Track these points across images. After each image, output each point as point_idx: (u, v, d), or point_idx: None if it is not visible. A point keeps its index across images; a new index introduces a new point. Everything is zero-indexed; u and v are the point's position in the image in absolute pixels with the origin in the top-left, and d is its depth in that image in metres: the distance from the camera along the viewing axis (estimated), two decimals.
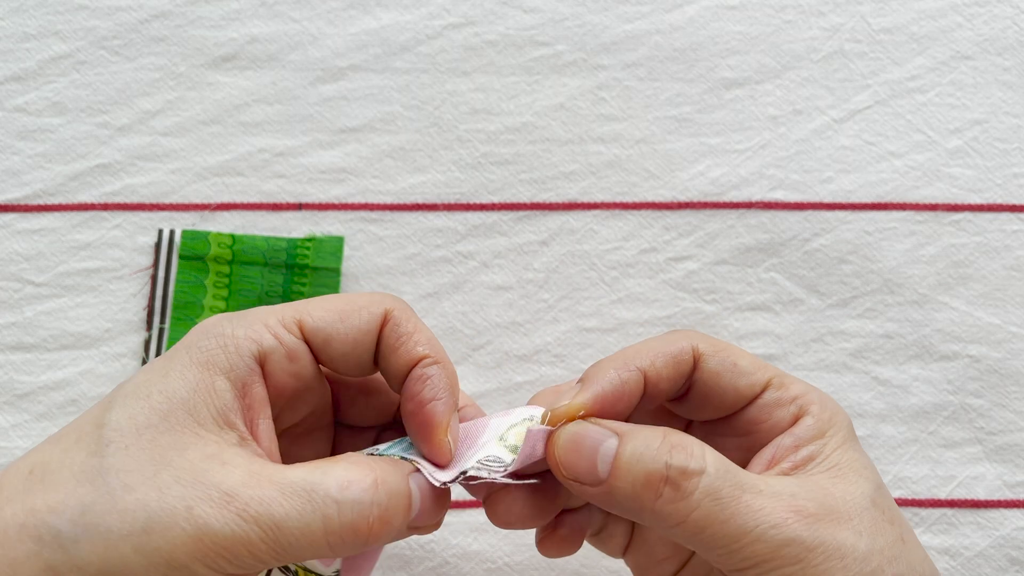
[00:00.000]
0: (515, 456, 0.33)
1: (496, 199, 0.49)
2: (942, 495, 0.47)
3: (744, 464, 0.34)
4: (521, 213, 0.49)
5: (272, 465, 0.31)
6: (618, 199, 0.49)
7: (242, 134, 0.49)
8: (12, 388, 0.47)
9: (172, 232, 0.48)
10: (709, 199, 0.49)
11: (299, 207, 0.49)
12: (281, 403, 0.34)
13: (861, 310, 0.48)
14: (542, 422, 0.34)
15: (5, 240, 0.48)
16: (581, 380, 0.35)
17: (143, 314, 0.47)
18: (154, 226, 0.48)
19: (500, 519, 0.34)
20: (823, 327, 0.48)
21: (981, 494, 0.47)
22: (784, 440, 0.34)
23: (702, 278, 0.49)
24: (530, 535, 0.46)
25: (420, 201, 0.49)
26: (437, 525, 0.33)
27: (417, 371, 0.33)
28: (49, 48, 0.50)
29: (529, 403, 0.36)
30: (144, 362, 0.47)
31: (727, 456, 0.33)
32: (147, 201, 0.49)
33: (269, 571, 0.35)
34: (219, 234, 0.47)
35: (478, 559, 0.46)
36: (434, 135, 0.50)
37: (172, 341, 0.46)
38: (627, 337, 0.48)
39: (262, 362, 0.32)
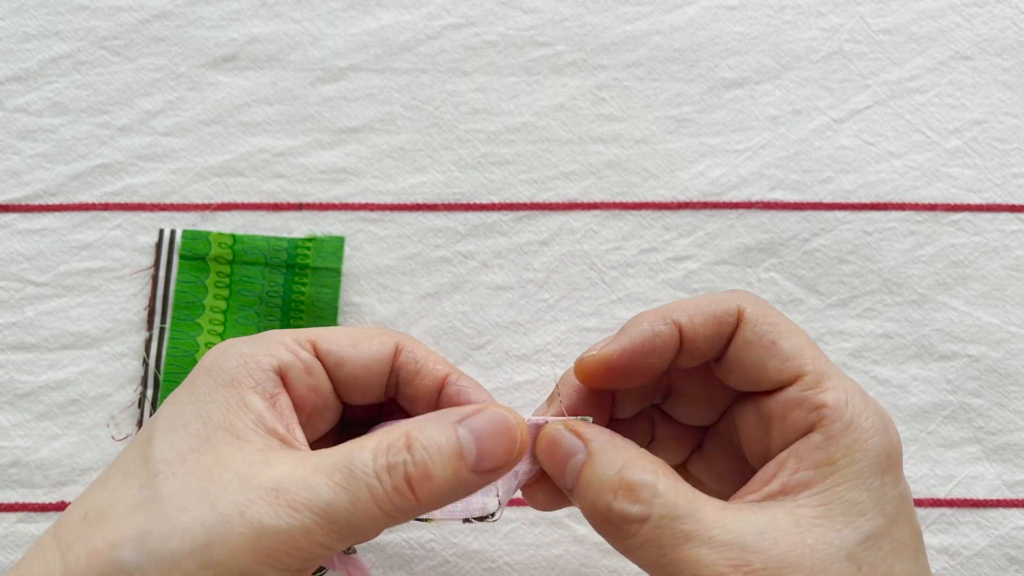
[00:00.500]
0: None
1: (496, 199, 0.49)
2: (941, 495, 0.47)
3: (754, 458, 0.34)
4: (521, 213, 0.49)
5: (316, 453, 0.31)
6: (618, 199, 0.49)
7: (243, 134, 0.49)
8: (13, 388, 0.47)
9: (173, 232, 0.48)
10: (709, 199, 0.49)
11: (299, 207, 0.49)
12: (302, 419, 0.34)
13: (860, 310, 0.48)
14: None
15: (6, 240, 0.48)
16: (619, 332, 0.34)
17: (144, 314, 0.47)
18: (155, 226, 0.48)
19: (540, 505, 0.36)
20: (823, 327, 0.48)
21: (980, 493, 0.47)
22: (786, 459, 0.32)
23: (702, 278, 0.49)
24: (530, 535, 0.46)
25: (420, 201, 0.49)
26: (511, 463, 0.32)
27: (451, 388, 0.35)
28: (50, 48, 0.50)
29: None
30: (144, 362, 0.47)
31: (749, 432, 0.32)
32: (148, 201, 0.49)
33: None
34: (220, 234, 0.47)
35: (478, 559, 0.46)
36: (434, 135, 0.50)
37: (173, 341, 0.46)
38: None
39: (282, 376, 0.33)
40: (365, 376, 0.34)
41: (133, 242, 0.48)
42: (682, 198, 0.49)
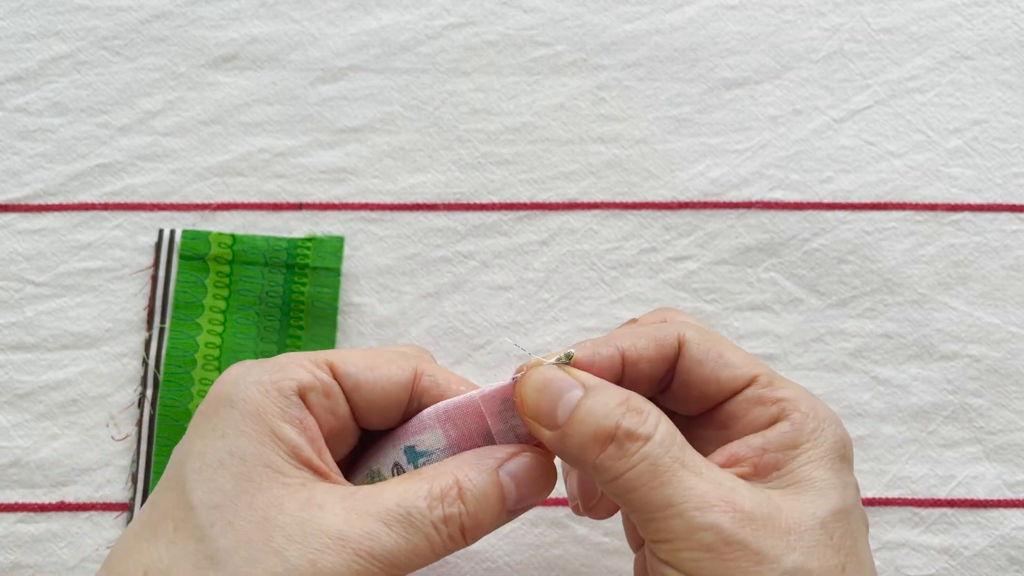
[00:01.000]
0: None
1: (496, 199, 0.49)
2: (942, 495, 0.47)
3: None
4: (521, 213, 0.49)
5: (361, 493, 0.32)
6: (618, 199, 0.49)
7: (242, 134, 0.49)
8: (13, 388, 0.47)
9: (172, 232, 0.48)
10: (709, 199, 0.49)
11: (299, 207, 0.49)
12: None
13: (861, 310, 0.48)
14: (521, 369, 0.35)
15: (6, 240, 0.48)
16: None
17: (144, 314, 0.47)
18: (155, 226, 0.48)
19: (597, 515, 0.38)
20: (823, 327, 0.48)
21: (981, 494, 0.47)
22: (753, 440, 0.34)
23: (702, 278, 0.49)
24: (530, 535, 0.46)
25: (420, 201, 0.49)
26: (543, 499, 0.34)
27: None
28: (50, 48, 0.50)
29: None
30: (144, 362, 0.47)
31: (703, 451, 0.33)
32: (148, 201, 0.49)
33: None
34: (219, 234, 0.47)
35: (478, 559, 0.46)
36: (434, 135, 0.50)
37: (172, 341, 0.46)
38: None
39: (303, 398, 0.33)
40: (383, 401, 0.35)
41: (133, 242, 0.48)
42: (682, 198, 0.49)
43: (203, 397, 0.45)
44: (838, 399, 0.47)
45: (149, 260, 0.48)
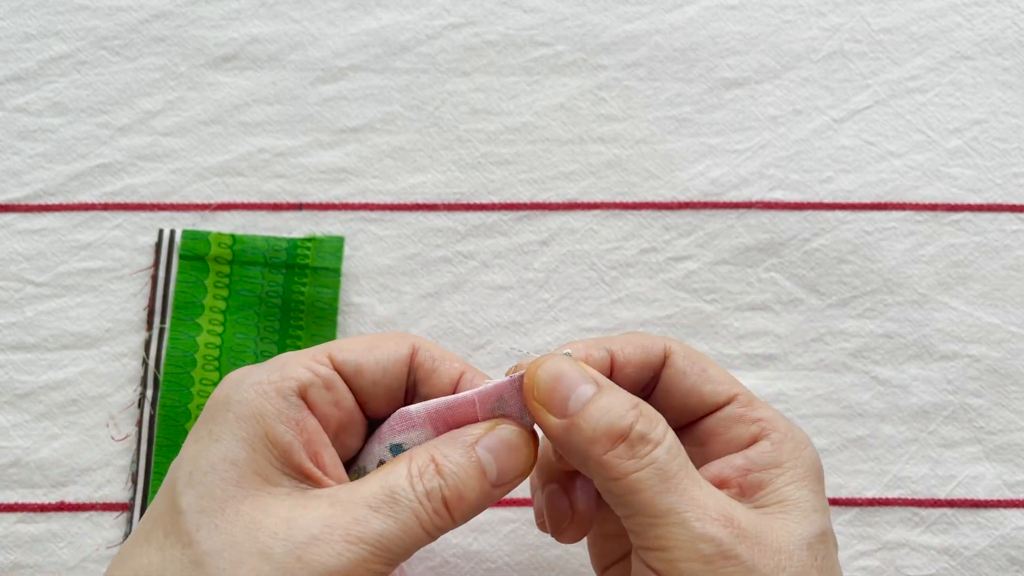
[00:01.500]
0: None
1: (496, 199, 0.49)
2: (942, 495, 0.47)
3: None
4: (521, 213, 0.49)
5: (347, 488, 0.32)
6: (618, 199, 0.49)
7: (242, 134, 0.49)
8: (13, 388, 0.47)
9: (172, 232, 0.48)
10: (709, 199, 0.49)
11: (299, 207, 0.49)
12: (330, 437, 0.34)
13: (861, 310, 0.48)
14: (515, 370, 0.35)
15: (6, 240, 0.48)
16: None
17: (143, 314, 0.47)
18: (154, 226, 0.48)
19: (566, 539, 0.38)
20: (823, 327, 0.48)
21: (981, 494, 0.47)
22: (735, 460, 0.34)
23: (702, 278, 0.49)
24: (530, 536, 0.46)
25: (420, 201, 0.49)
26: (527, 473, 0.34)
27: (468, 381, 0.35)
28: (50, 48, 0.50)
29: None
30: (144, 362, 0.47)
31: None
32: (147, 201, 0.49)
33: None
34: (219, 234, 0.47)
35: (478, 559, 0.46)
36: (434, 135, 0.50)
37: (172, 341, 0.46)
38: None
39: (304, 396, 0.33)
40: (385, 380, 0.35)
41: (133, 242, 0.48)
42: (682, 198, 0.49)
43: (203, 397, 0.46)
44: (838, 399, 0.47)
45: (149, 260, 0.48)
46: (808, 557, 0.32)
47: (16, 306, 0.47)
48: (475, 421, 0.34)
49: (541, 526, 0.39)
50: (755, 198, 0.49)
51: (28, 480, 0.46)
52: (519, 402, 0.34)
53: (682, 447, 0.33)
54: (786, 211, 0.49)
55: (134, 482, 0.46)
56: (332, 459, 0.33)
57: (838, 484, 0.47)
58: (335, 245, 0.48)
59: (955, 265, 0.49)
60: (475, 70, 0.50)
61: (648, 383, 0.37)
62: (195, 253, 0.47)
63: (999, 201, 0.49)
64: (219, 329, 0.47)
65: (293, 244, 0.47)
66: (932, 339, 0.48)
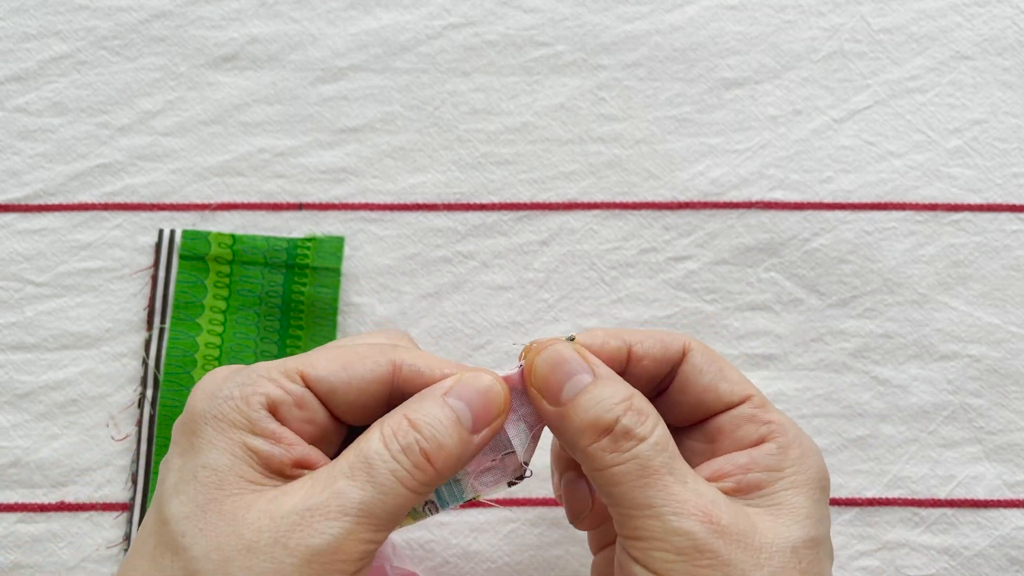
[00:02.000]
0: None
1: (496, 199, 0.49)
2: (942, 495, 0.47)
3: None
4: (521, 213, 0.49)
5: (325, 467, 0.32)
6: (618, 199, 0.49)
7: (242, 134, 0.49)
8: (13, 388, 0.47)
9: (172, 232, 0.48)
10: (709, 199, 0.49)
11: (299, 207, 0.49)
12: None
13: (861, 310, 0.48)
14: (523, 356, 0.35)
15: (6, 240, 0.48)
16: None
17: (143, 314, 0.47)
18: (154, 226, 0.48)
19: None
20: (823, 327, 0.48)
21: (981, 494, 0.47)
22: (739, 457, 0.35)
23: (702, 278, 0.49)
24: (530, 536, 0.46)
25: (420, 201, 0.49)
26: (501, 415, 0.34)
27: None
28: (50, 48, 0.50)
29: None
30: (144, 362, 0.47)
31: (689, 462, 0.34)
32: (147, 201, 0.49)
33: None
34: (219, 234, 0.47)
35: (478, 559, 0.46)
36: (434, 135, 0.50)
37: (172, 341, 0.46)
38: None
39: (274, 412, 0.33)
40: (362, 400, 0.34)
41: (133, 242, 0.48)
42: (682, 198, 0.49)
43: None
44: (838, 399, 0.47)
45: (149, 260, 0.48)
46: (791, 559, 0.32)
47: (16, 306, 0.47)
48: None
49: (568, 516, 0.39)
50: (755, 198, 0.49)
51: (28, 480, 0.46)
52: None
53: (672, 443, 0.33)
54: (786, 211, 0.49)
55: (134, 482, 0.46)
56: (320, 457, 0.33)
57: (838, 484, 0.47)
58: (335, 245, 0.48)
59: (955, 265, 0.49)
60: (475, 70, 0.50)
61: (665, 377, 0.37)
62: (195, 253, 0.47)
63: (999, 201, 0.49)
64: (219, 329, 0.47)
65: (293, 244, 0.47)
66: (932, 339, 0.48)
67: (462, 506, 0.35)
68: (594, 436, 0.33)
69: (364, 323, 0.48)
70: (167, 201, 0.49)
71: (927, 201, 0.49)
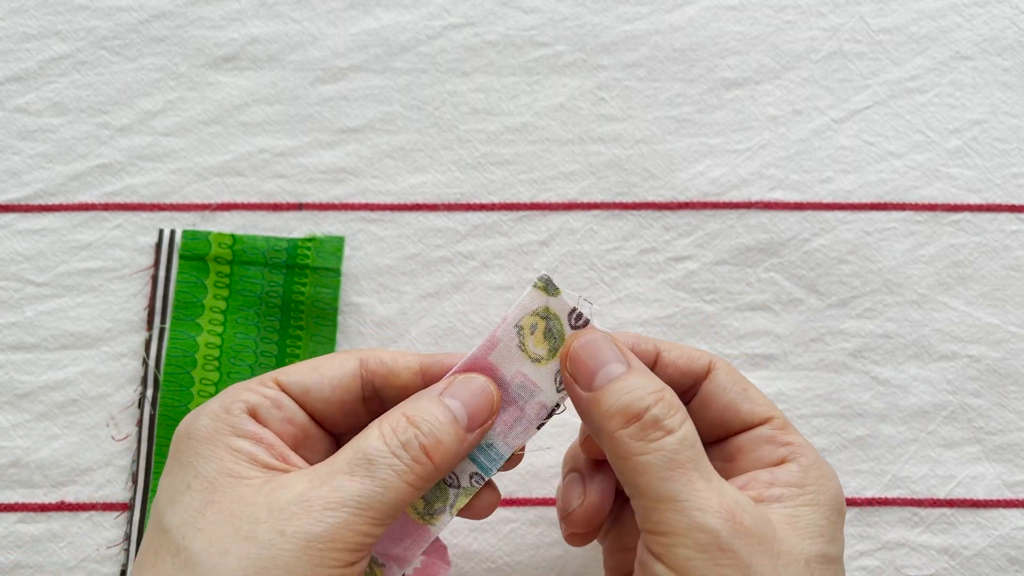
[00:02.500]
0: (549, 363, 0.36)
1: (496, 199, 0.49)
2: (941, 495, 0.47)
3: None
4: (521, 213, 0.49)
5: (325, 463, 0.33)
6: (618, 199, 0.49)
7: (242, 134, 0.49)
8: (13, 388, 0.47)
9: (173, 232, 0.48)
10: (709, 199, 0.49)
11: (299, 207, 0.49)
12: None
13: (860, 310, 0.48)
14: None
15: (6, 240, 0.48)
16: None
17: (144, 314, 0.47)
18: (155, 226, 0.48)
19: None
20: (823, 327, 0.48)
21: (980, 494, 0.47)
22: (761, 475, 0.35)
23: (702, 278, 0.49)
24: (530, 536, 0.46)
25: (420, 201, 0.49)
26: (493, 412, 0.36)
27: (430, 364, 0.37)
28: (50, 48, 0.50)
29: None
30: (144, 362, 0.47)
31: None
32: (148, 201, 0.49)
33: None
34: (220, 234, 0.47)
35: (478, 559, 0.46)
36: (434, 135, 0.50)
37: (173, 341, 0.46)
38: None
39: (254, 415, 0.34)
40: (335, 396, 0.36)
41: (133, 242, 0.48)
42: (682, 198, 0.49)
43: (204, 397, 0.46)
44: (838, 399, 0.47)
45: (149, 260, 0.48)
46: (804, 571, 0.32)
47: (16, 306, 0.47)
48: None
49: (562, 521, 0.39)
50: (755, 198, 0.49)
51: (28, 480, 0.46)
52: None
53: (699, 442, 0.33)
54: (786, 211, 0.49)
55: (134, 482, 0.46)
56: (299, 462, 0.34)
57: None
58: (335, 245, 0.48)
59: (955, 265, 0.49)
60: (475, 70, 0.50)
61: (688, 391, 0.37)
62: (195, 253, 0.47)
63: (999, 201, 0.49)
64: (219, 329, 0.47)
65: (293, 244, 0.47)
66: (932, 339, 0.48)
67: (506, 464, 0.37)
68: (623, 422, 0.33)
69: (364, 323, 0.48)
70: (167, 201, 0.49)
71: (927, 201, 0.49)
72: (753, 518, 0.32)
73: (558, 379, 0.36)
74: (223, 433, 0.33)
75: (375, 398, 0.37)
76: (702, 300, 0.48)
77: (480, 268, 0.49)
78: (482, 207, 0.49)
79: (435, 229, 0.49)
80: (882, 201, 0.49)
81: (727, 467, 0.37)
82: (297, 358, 0.47)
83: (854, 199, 0.49)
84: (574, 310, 0.36)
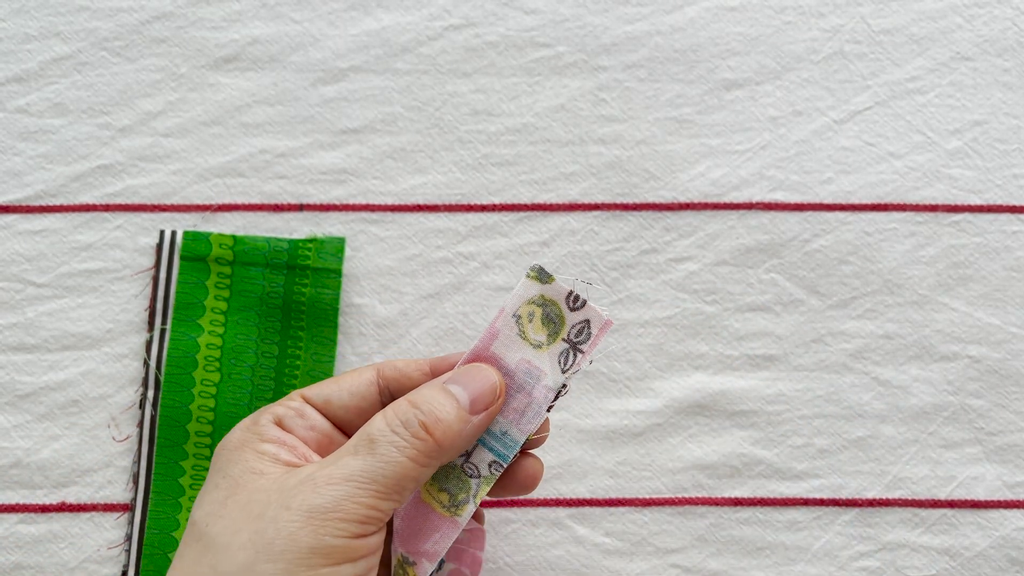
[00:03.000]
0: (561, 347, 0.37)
1: (497, 200, 0.49)
2: (942, 495, 0.47)
3: None
4: (522, 214, 0.49)
5: (333, 453, 0.36)
6: (618, 200, 0.49)
7: (243, 135, 0.49)
8: (14, 389, 0.47)
9: (173, 233, 0.48)
10: (709, 200, 0.49)
11: (300, 208, 0.49)
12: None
13: (861, 311, 0.48)
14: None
15: (7, 241, 0.48)
16: None
17: (145, 315, 0.47)
18: (155, 227, 0.48)
19: None
20: (823, 328, 0.48)
21: (981, 494, 0.47)
22: None
23: (702, 279, 0.49)
24: (530, 536, 0.46)
25: (421, 202, 0.49)
26: (496, 395, 0.37)
27: (439, 363, 0.39)
28: (51, 49, 0.50)
29: None
30: (145, 363, 0.47)
31: None
32: (148, 202, 0.49)
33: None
34: (220, 235, 0.47)
35: None
36: (435, 136, 0.50)
37: (173, 342, 0.46)
38: (628, 338, 0.48)
39: (279, 425, 0.37)
40: (354, 402, 0.39)
41: (134, 243, 0.48)
42: (683, 199, 0.49)
43: (204, 398, 0.46)
44: (838, 400, 0.47)
45: (150, 261, 0.48)
46: None
47: (17, 307, 0.47)
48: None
49: None
50: (755, 199, 0.49)
51: (29, 481, 0.46)
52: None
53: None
54: (786, 212, 0.49)
55: (135, 483, 0.46)
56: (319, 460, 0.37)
57: (838, 485, 0.47)
58: (336, 246, 0.48)
59: (955, 266, 0.49)
60: (476, 71, 0.50)
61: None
62: (196, 254, 0.47)
63: (999, 202, 0.49)
64: (220, 330, 0.47)
65: (294, 245, 0.47)
66: (932, 340, 0.48)
67: (523, 452, 0.39)
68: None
69: (365, 324, 0.48)
70: (168, 202, 0.49)
71: (927, 202, 0.49)
72: None
73: (561, 361, 0.37)
74: (251, 441, 0.36)
75: (391, 400, 0.39)
76: (703, 301, 0.48)
77: (481, 269, 0.49)
78: (483, 208, 0.49)
79: (436, 230, 0.49)
80: (883, 202, 0.49)
81: None
82: (298, 359, 0.47)
83: (855, 200, 0.49)
84: (571, 293, 0.37)
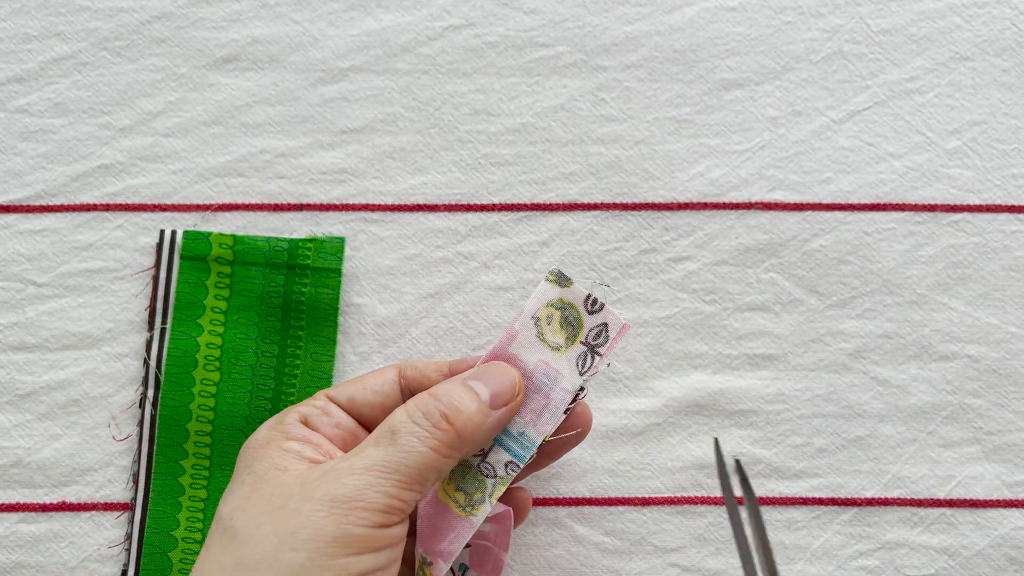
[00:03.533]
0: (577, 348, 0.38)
1: (496, 200, 0.49)
2: (941, 495, 0.47)
3: None
4: (521, 214, 0.49)
5: (356, 447, 0.36)
6: (618, 200, 0.49)
7: (243, 135, 0.49)
8: (14, 388, 0.47)
9: (174, 233, 0.48)
10: (709, 200, 0.49)
11: (300, 208, 0.49)
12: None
13: (860, 310, 0.48)
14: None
15: (7, 241, 0.48)
16: None
17: (145, 314, 0.47)
18: (156, 227, 0.48)
19: None
20: (822, 327, 0.48)
21: (980, 494, 0.47)
22: None
23: (702, 279, 0.49)
24: (530, 535, 0.46)
25: (421, 202, 0.49)
26: (516, 390, 0.38)
27: (456, 364, 0.40)
28: (51, 49, 0.50)
29: None
30: (145, 362, 0.47)
31: None
32: (149, 202, 0.49)
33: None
34: (220, 235, 0.48)
35: None
36: (435, 136, 0.50)
37: (174, 341, 0.46)
38: (627, 337, 0.48)
39: (305, 423, 0.38)
40: (378, 400, 0.40)
41: (134, 243, 0.48)
42: (682, 199, 0.49)
43: (204, 397, 0.46)
44: (838, 399, 0.48)
45: (150, 261, 0.48)
46: None
47: (18, 306, 0.47)
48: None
49: None
50: (755, 199, 0.49)
51: (29, 480, 0.46)
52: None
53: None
54: (786, 212, 0.49)
55: (135, 482, 0.46)
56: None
57: (838, 484, 0.47)
58: (336, 246, 0.48)
59: (954, 266, 0.49)
60: (475, 71, 0.50)
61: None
62: (196, 254, 0.47)
63: (998, 202, 0.49)
64: (220, 329, 0.47)
65: (294, 245, 0.48)
66: (931, 339, 0.48)
67: (541, 450, 0.39)
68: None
69: (365, 323, 0.48)
70: (168, 202, 0.49)
71: (926, 202, 0.49)
72: None
73: (579, 363, 0.37)
74: (277, 439, 0.37)
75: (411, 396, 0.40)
76: (702, 301, 0.48)
77: (480, 269, 0.49)
78: (482, 208, 0.49)
79: (436, 230, 0.49)
80: (882, 202, 0.49)
81: None
82: (298, 358, 0.47)
83: (854, 200, 0.49)
84: (589, 296, 0.38)
